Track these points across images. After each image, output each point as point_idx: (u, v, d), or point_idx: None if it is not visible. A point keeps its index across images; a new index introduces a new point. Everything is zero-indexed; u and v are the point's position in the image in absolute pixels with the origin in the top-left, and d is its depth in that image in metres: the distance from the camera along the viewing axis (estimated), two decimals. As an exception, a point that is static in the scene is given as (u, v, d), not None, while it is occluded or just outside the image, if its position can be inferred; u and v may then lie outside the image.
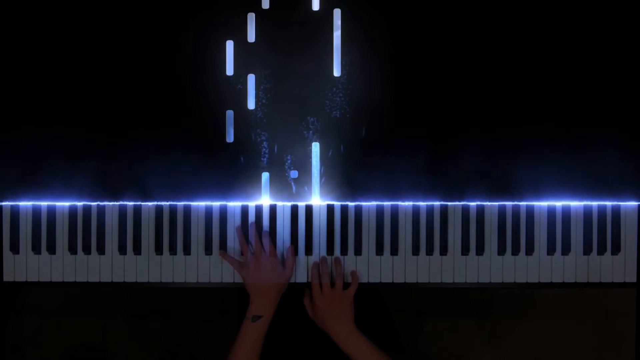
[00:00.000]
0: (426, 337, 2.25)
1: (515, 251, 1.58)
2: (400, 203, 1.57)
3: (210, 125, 1.56)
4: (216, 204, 1.57)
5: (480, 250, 1.58)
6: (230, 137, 1.56)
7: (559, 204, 1.58)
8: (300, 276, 1.58)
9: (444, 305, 2.25)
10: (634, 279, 1.59)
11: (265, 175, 1.57)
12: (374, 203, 1.57)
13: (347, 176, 1.57)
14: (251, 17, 1.55)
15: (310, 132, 1.56)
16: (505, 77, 1.57)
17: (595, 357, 2.27)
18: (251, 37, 1.56)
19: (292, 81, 1.55)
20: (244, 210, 1.58)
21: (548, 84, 1.57)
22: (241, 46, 1.56)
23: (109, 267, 1.58)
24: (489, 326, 2.26)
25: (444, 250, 1.58)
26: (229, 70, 1.56)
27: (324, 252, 1.58)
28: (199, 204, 1.57)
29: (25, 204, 1.57)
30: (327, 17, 1.56)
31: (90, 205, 1.57)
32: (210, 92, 1.56)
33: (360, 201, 1.57)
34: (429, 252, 1.58)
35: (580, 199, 1.57)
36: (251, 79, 1.56)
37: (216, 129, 1.56)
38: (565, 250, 1.58)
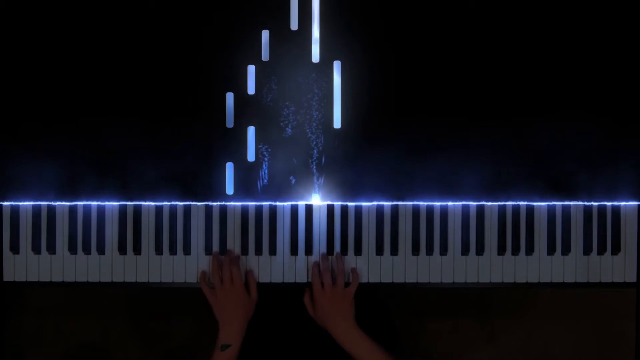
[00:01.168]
0: (426, 337, 2.24)
1: (515, 251, 1.58)
2: (400, 203, 1.57)
3: (211, 178, 1.56)
4: (216, 204, 1.57)
5: (480, 250, 1.58)
6: (230, 190, 1.56)
7: (559, 204, 1.58)
8: (301, 276, 1.58)
9: (444, 305, 2.25)
10: (634, 279, 1.59)
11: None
12: (374, 203, 1.57)
13: (347, 177, 1.57)
14: (251, 70, 1.55)
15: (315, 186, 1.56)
16: (506, 77, 1.57)
17: (595, 357, 2.27)
18: (251, 89, 1.56)
19: (292, 132, 1.55)
20: (244, 211, 1.58)
21: (547, 83, 1.57)
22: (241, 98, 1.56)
23: (109, 267, 1.58)
24: (489, 326, 2.25)
25: (444, 250, 1.58)
26: (229, 123, 1.56)
27: (324, 252, 1.58)
28: (199, 204, 1.57)
29: (25, 204, 1.57)
30: (327, 69, 1.55)
31: (90, 205, 1.57)
32: (210, 143, 1.56)
33: (360, 201, 1.57)
34: (429, 252, 1.58)
35: (581, 199, 1.57)
36: (251, 130, 1.56)
37: (217, 181, 1.56)
38: (565, 250, 1.58)
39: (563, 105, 1.57)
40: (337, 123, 1.56)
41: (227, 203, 1.57)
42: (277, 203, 1.58)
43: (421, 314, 2.24)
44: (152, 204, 1.57)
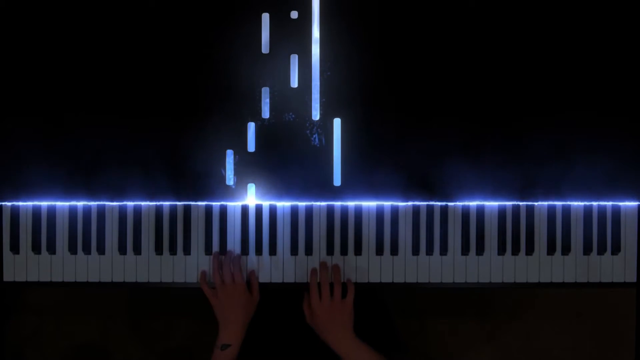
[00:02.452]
0: (426, 337, 2.25)
1: (515, 251, 1.58)
2: (400, 203, 1.57)
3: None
4: (216, 204, 1.57)
5: (480, 250, 1.58)
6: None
7: (558, 204, 1.58)
8: (300, 276, 1.58)
9: (444, 305, 2.25)
10: (634, 279, 1.59)
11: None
12: (374, 203, 1.57)
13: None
14: (251, 127, 1.55)
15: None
16: (505, 79, 1.57)
17: (595, 357, 2.27)
18: (251, 147, 1.56)
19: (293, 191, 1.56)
20: (244, 211, 1.58)
21: (547, 83, 1.57)
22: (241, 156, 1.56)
23: (109, 267, 1.58)
24: (489, 326, 2.25)
25: (444, 250, 1.58)
26: (229, 181, 1.56)
27: (324, 252, 1.58)
28: (199, 204, 1.57)
29: (25, 204, 1.57)
30: (327, 127, 1.56)
31: (90, 205, 1.57)
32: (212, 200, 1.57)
33: (360, 201, 1.57)
34: (429, 252, 1.58)
35: (581, 199, 1.57)
36: (251, 188, 1.56)
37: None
38: (565, 250, 1.58)
39: (563, 106, 1.57)
40: (337, 181, 1.56)
41: (227, 203, 1.57)
42: (277, 203, 1.58)
43: (421, 314, 2.24)
44: (152, 203, 1.58)
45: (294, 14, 1.55)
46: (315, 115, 1.56)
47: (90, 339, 2.23)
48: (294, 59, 1.55)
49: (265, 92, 1.55)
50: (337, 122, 1.55)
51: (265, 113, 1.55)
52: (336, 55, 1.55)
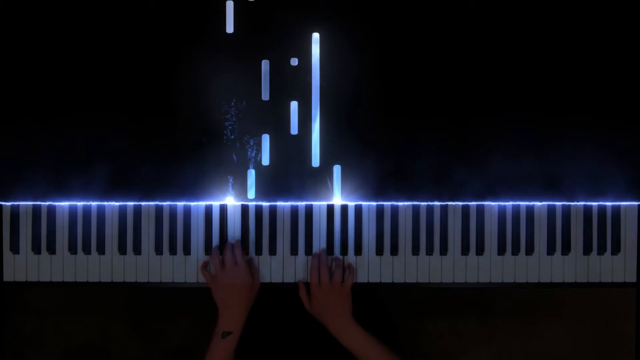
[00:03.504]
0: (426, 337, 2.24)
1: (515, 251, 1.58)
2: (400, 203, 1.57)
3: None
4: (216, 203, 1.57)
5: (480, 250, 1.58)
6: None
7: (559, 204, 1.58)
8: (300, 276, 1.58)
9: (444, 305, 2.25)
10: (634, 279, 1.59)
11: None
12: (374, 203, 1.57)
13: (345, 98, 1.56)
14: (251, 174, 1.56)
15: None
16: (505, 77, 1.57)
17: (595, 357, 2.27)
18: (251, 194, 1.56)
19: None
20: (244, 210, 1.58)
21: (547, 83, 1.57)
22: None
23: (109, 267, 1.58)
24: (489, 326, 2.25)
25: (444, 250, 1.58)
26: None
27: (323, 247, 1.58)
28: (199, 204, 1.57)
29: (25, 204, 1.57)
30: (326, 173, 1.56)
31: (90, 205, 1.57)
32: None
33: (360, 201, 1.57)
34: (429, 252, 1.58)
35: (581, 199, 1.57)
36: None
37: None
38: (565, 250, 1.58)
39: (563, 106, 1.57)
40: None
41: (227, 203, 1.57)
42: (277, 203, 1.58)
43: (421, 314, 2.24)
44: (152, 203, 1.58)
45: (294, 61, 1.55)
46: (315, 162, 1.56)
47: (90, 339, 2.23)
48: (294, 106, 1.55)
49: (265, 139, 1.56)
50: (337, 169, 1.56)
51: (266, 160, 1.55)
52: (336, 101, 1.56)
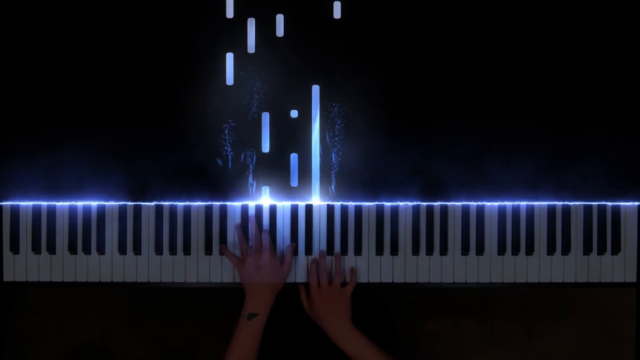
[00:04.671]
0: (426, 337, 2.25)
1: (515, 251, 1.58)
2: (400, 203, 1.57)
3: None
4: (216, 203, 1.57)
5: (480, 250, 1.58)
6: (230, 81, 1.54)
7: (559, 203, 1.58)
8: (300, 275, 1.58)
9: (444, 305, 2.25)
10: (634, 279, 1.59)
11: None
12: (374, 203, 1.57)
13: (347, 149, 1.56)
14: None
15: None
16: (505, 77, 1.57)
17: (595, 357, 2.27)
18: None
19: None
20: (244, 210, 1.58)
21: (547, 83, 1.57)
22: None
23: (109, 267, 1.58)
24: (489, 326, 2.26)
25: (444, 250, 1.58)
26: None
27: (323, 249, 1.58)
28: (199, 204, 1.57)
29: (25, 204, 1.57)
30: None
31: (90, 205, 1.57)
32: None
33: (360, 201, 1.57)
34: (429, 252, 1.58)
35: (581, 199, 1.57)
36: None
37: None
38: (565, 250, 1.58)
39: (563, 106, 1.57)
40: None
41: (227, 203, 1.57)
42: (277, 203, 1.58)
43: (421, 314, 2.25)
44: (152, 204, 1.58)
45: (294, 113, 1.55)
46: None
47: (90, 339, 2.23)
48: (294, 158, 1.56)
49: (265, 191, 1.56)
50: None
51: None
52: (337, 154, 1.56)
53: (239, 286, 1.56)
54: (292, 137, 1.56)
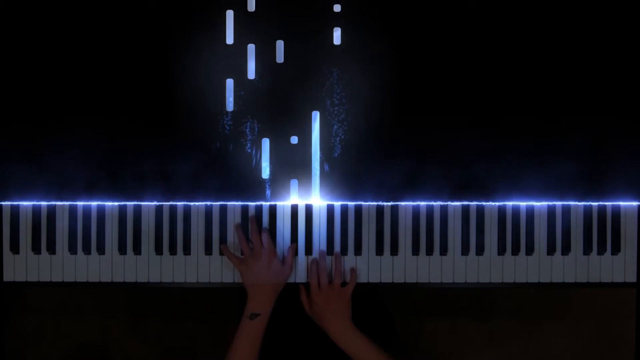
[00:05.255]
0: (426, 337, 2.25)
1: (515, 251, 1.58)
2: (400, 203, 1.58)
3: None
4: (216, 204, 1.57)
5: (480, 250, 1.58)
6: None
7: (559, 203, 1.58)
8: (300, 276, 1.58)
9: (444, 305, 2.25)
10: (634, 279, 1.59)
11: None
12: (374, 203, 1.57)
13: (347, 176, 1.57)
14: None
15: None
16: (504, 78, 1.57)
17: (595, 357, 2.27)
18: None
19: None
20: (244, 210, 1.58)
21: (548, 83, 1.57)
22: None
23: (109, 267, 1.58)
24: (489, 326, 2.26)
25: (444, 250, 1.58)
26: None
27: (323, 249, 1.58)
28: (199, 204, 1.57)
29: (25, 204, 1.57)
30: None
31: (90, 205, 1.57)
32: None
33: (360, 201, 1.57)
34: (429, 252, 1.58)
35: (581, 199, 1.57)
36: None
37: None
38: (565, 250, 1.58)
39: (563, 106, 1.57)
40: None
41: (227, 203, 1.57)
42: (277, 203, 1.58)
43: (421, 314, 2.25)
44: (152, 204, 1.58)
45: (294, 139, 1.56)
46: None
47: (90, 339, 2.23)
48: (294, 184, 1.56)
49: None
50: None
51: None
52: (337, 179, 1.57)
53: (239, 286, 1.56)
54: (292, 162, 1.57)
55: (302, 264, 1.58)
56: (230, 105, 1.55)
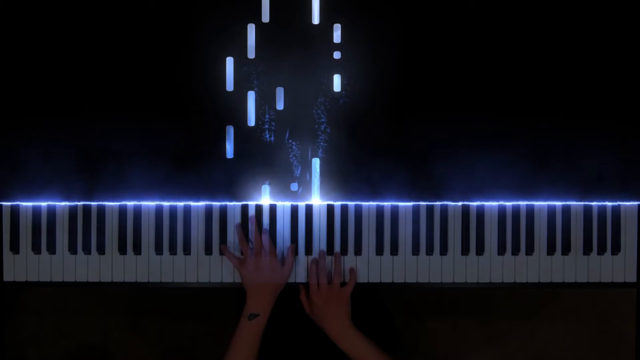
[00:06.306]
0: (426, 337, 2.25)
1: (515, 251, 1.58)
2: (400, 203, 1.58)
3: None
4: (216, 204, 1.57)
5: (480, 250, 1.58)
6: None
7: (559, 203, 1.58)
8: (300, 276, 1.58)
9: (444, 305, 2.25)
10: (634, 279, 1.59)
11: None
12: (374, 203, 1.57)
13: (347, 176, 1.57)
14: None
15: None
16: (506, 77, 1.57)
17: (595, 357, 2.27)
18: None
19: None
20: (244, 210, 1.58)
21: (547, 83, 1.57)
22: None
23: (109, 267, 1.58)
24: (489, 326, 2.25)
25: (444, 250, 1.58)
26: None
27: (322, 249, 1.58)
28: (199, 204, 1.57)
29: (25, 204, 1.57)
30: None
31: (90, 205, 1.57)
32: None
33: (360, 201, 1.57)
34: (429, 252, 1.58)
35: (581, 199, 1.57)
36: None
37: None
38: (565, 250, 1.58)
39: (563, 106, 1.57)
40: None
41: (227, 203, 1.57)
42: (277, 203, 1.58)
43: (421, 314, 2.24)
44: (152, 203, 1.58)
45: (294, 186, 1.56)
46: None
47: (90, 339, 2.23)
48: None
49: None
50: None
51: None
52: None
53: (239, 286, 1.56)
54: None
55: (302, 264, 1.58)
56: (230, 152, 1.56)
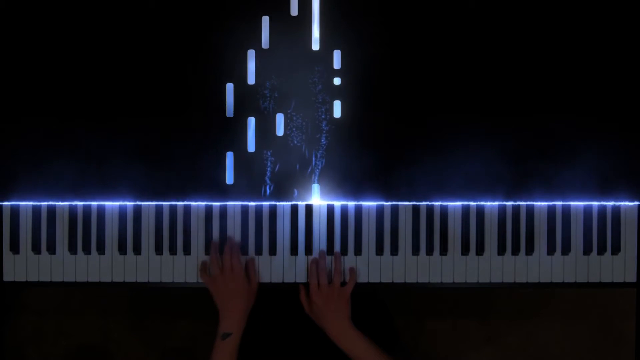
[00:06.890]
0: (426, 337, 2.25)
1: (515, 251, 1.58)
2: (400, 203, 1.58)
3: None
4: (216, 204, 1.57)
5: (480, 250, 1.58)
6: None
7: (559, 203, 1.58)
8: (300, 276, 1.58)
9: (444, 305, 2.25)
10: (634, 279, 1.59)
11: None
12: (374, 203, 1.58)
13: (347, 176, 1.57)
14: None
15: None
16: (506, 76, 1.57)
17: (595, 357, 2.27)
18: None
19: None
20: (244, 210, 1.58)
21: (548, 83, 1.57)
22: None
23: (109, 267, 1.58)
24: (489, 326, 2.26)
25: (444, 250, 1.58)
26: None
27: (323, 249, 1.58)
28: (199, 204, 1.58)
29: (25, 204, 1.57)
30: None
31: (90, 205, 1.57)
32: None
33: (360, 201, 1.57)
34: (429, 252, 1.58)
35: (581, 199, 1.57)
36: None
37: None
38: (565, 250, 1.58)
39: (563, 106, 1.57)
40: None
41: (227, 203, 1.57)
42: (277, 203, 1.58)
43: (421, 314, 2.25)
44: (152, 203, 1.58)
45: (295, 194, 1.57)
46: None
47: (90, 339, 2.23)
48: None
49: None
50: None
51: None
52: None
53: (239, 286, 1.56)
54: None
55: (302, 264, 1.58)
56: (230, 178, 1.56)
